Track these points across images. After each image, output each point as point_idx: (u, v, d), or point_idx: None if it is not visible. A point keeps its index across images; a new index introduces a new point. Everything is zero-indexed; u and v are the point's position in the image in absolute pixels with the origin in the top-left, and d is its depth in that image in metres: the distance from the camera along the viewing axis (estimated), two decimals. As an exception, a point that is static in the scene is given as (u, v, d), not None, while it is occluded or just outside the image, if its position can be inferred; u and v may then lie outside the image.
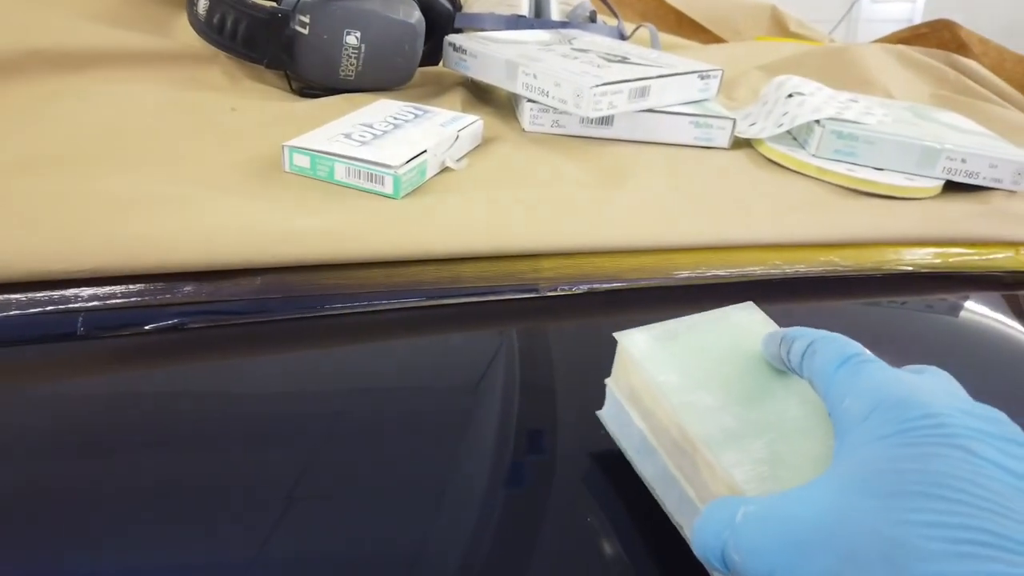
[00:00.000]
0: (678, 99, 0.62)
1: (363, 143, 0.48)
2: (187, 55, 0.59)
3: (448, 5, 0.67)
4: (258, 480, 0.32)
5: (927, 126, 0.62)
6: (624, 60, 0.63)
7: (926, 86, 0.81)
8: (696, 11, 1.15)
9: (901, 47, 0.88)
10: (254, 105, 0.55)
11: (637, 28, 0.85)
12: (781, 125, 0.61)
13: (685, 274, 0.47)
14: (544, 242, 0.45)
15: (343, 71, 0.59)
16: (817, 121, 0.59)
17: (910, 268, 0.54)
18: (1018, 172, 0.58)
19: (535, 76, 0.58)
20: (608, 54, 0.64)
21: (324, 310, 0.41)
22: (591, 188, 0.51)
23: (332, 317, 0.41)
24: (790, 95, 0.64)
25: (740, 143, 0.63)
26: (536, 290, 0.44)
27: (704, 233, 0.49)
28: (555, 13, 0.79)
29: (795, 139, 0.62)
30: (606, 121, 0.60)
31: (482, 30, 0.79)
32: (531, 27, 0.78)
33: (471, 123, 0.54)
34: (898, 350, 0.50)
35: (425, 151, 0.48)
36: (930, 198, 0.58)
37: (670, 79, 0.60)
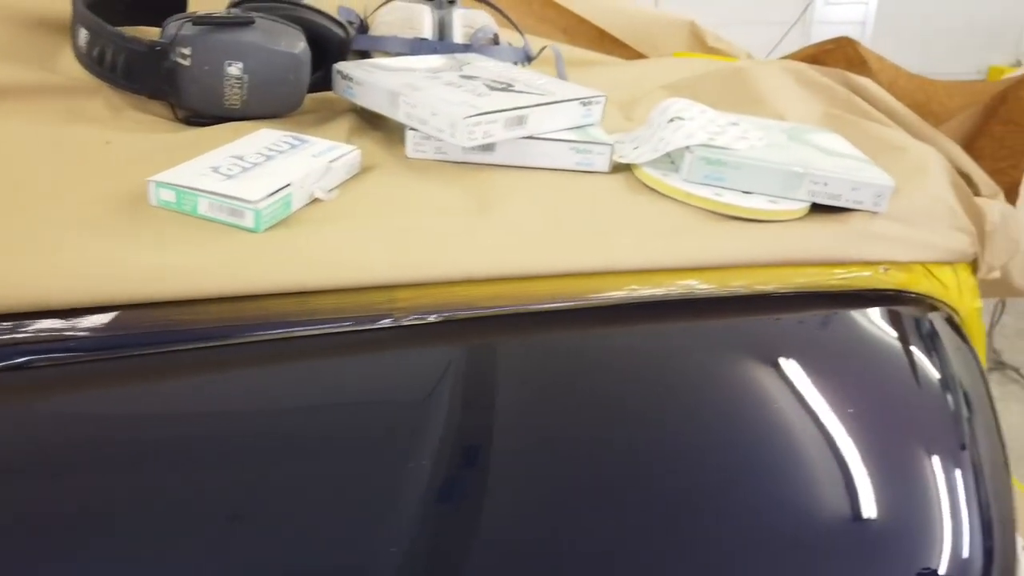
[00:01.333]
0: (560, 125, 0.64)
1: (229, 177, 0.49)
2: (69, 87, 0.60)
3: (340, 32, 0.68)
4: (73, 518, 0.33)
5: (799, 150, 0.65)
6: (508, 88, 0.65)
7: (819, 105, 0.84)
8: (616, 27, 1.17)
9: (800, 66, 0.91)
10: (131, 138, 0.56)
11: (543, 49, 0.88)
12: (656, 150, 0.63)
13: (543, 303, 0.49)
14: (400, 273, 0.47)
15: (227, 101, 0.60)
16: (688, 147, 0.61)
17: (772, 289, 0.57)
18: (878, 194, 0.61)
19: (415, 106, 0.59)
20: (495, 81, 0.66)
21: (175, 345, 0.42)
22: (459, 216, 0.53)
23: (183, 352, 0.42)
24: (671, 120, 0.67)
25: (622, 168, 0.65)
26: (390, 319, 0.46)
27: (563, 260, 0.51)
28: (458, 36, 0.81)
29: (673, 163, 0.65)
30: (487, 148, 0.62)
31: (386, 53, 0.81)
32: (433, 50, 0.80)
33: (346, 153, 0.55)
34: (761, 369, 0.53)
35: (289, 184, 0.50)
36: (795, 220, 0.60)
37: (550, 107, 0.62)
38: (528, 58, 0.87)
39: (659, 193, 0.61)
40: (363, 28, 0.84)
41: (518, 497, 0.43)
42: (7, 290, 0.40)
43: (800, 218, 0.61)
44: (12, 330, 0.40)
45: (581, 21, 1.16)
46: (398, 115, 0.61)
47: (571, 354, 0.49)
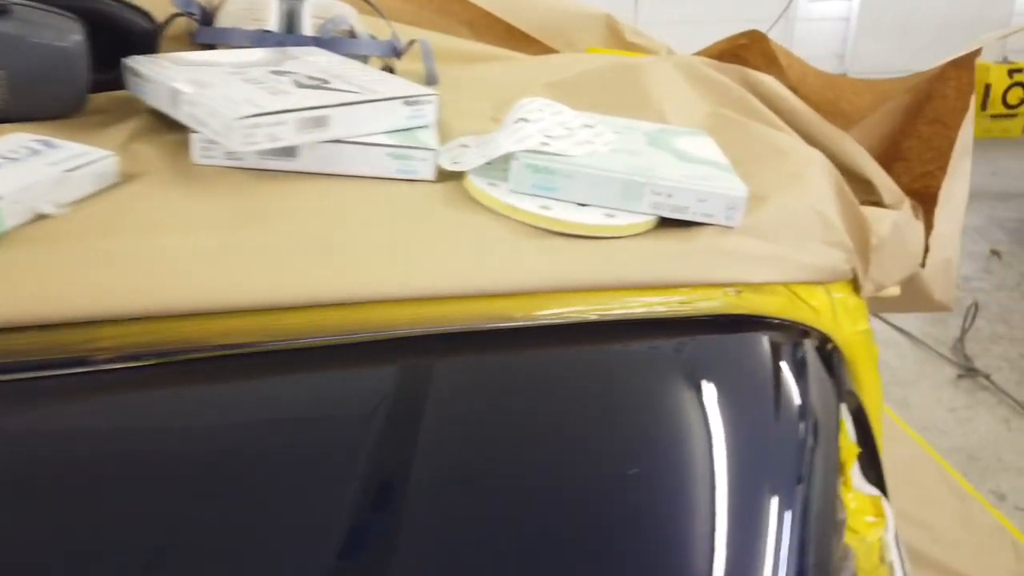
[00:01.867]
0: (379, 127, 0.56)
1: (-75, 190, 0.42)
2: None
3: (143, 23, 0.61)
4: None
5: (651, 156, 0.58)
6: (320, 85, 0.57)
7: (706, 104, 0.77)
8: (526, 21, 1.10)
9: (696, 62, 0.83)
10: None
11: (411, 44, 0.80)
12: (484, 156, 0.55)
13: (290, 338, 0.42)
14: (102, 306, 0.39)
15: (-15, 100, 0.52)
16: (514, 153, 0.54)
17: (598, 317, 0.49)
18: (730, 207, 0.54)
19: (195, 104, 0.52)
20: (311, 77, 0.59)
21: None
22: (208, 235, 0.45)
23: None
24: (515, 121, 0.59)
25: (453, 176, 0.57)
26: (86, 363, 0.39)
27: (323, 285, 0.44)
28: (308, 28, 0.74)
29: (505, 171, 0.57)
30: (288, 153, 0.54)
31: (229, 47, 0.73)
32: (278, 43, 0.72)
33: (94, 160, 0.48)
34: (593, 409, 0.46)
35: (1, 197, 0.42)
36: (634, 236, 0.53)
37: (361, 107, 0.55)
38: (396, 52, 0.79)
39: (484, 206, 0.54)
40: (207, 19, 0.76)
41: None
42: None
43: (641, 234, 0.53)
44: None
45: (487, 15, 1.09)
46: (180, 115, 0.54)
47: (326, 401, 0.42)
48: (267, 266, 0.43)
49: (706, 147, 0.62)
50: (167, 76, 0.55)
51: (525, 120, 0.59)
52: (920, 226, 0.72)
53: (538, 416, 0.45)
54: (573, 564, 0.39)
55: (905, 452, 1.57)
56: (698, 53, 1.02)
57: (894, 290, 0.69)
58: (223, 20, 0.75)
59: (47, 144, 0.49)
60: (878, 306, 0.83)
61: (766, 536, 0.42)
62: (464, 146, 0.62)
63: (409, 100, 0.58)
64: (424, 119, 0.59)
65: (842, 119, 0.85)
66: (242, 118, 0.49)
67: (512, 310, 0.47)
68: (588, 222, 0.52)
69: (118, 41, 0.60)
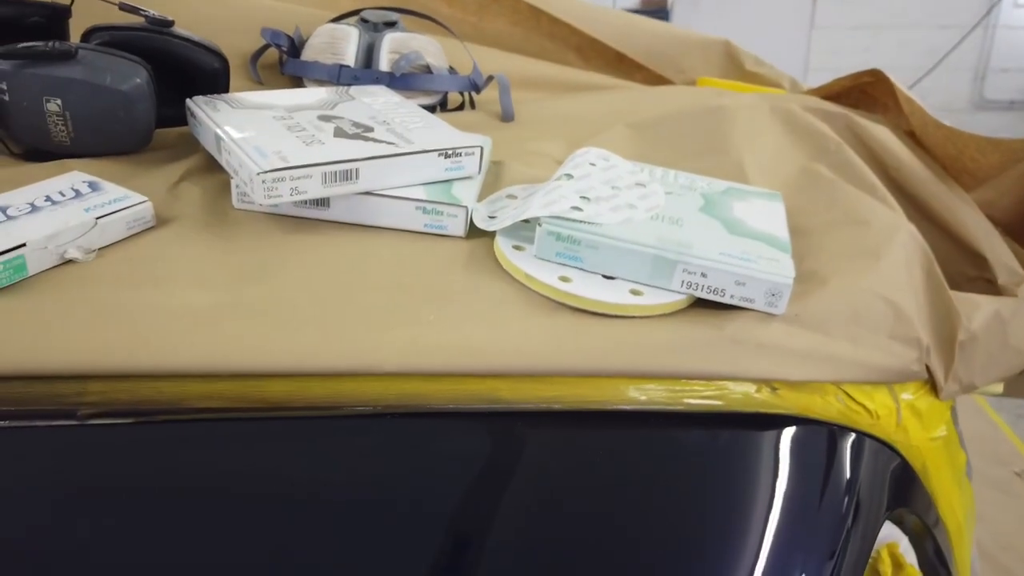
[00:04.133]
0: (414, 179, 0.55)
1: (-36, 233, 0.45)
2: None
3: (213, 62, 0.63)
4: None
5: (696, 225, 0.53)
6: (361, 134, 0.57)
7: (799, 156, 0.70)
8: (635, 48, 1.05)
9: (796, 106, 0.76)
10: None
11: (489, 79, 0.78)
12: (514, 217, 0.53)
13: (275, 407, 0.42)
14: (89, 360, 0.41)
15: (55, 136, 0.56)
16: (539, 218, 0.51)
17: (615, 404, 0.46)
18: (772, 293, 0.48)
19: (231, 152, 0.53)
20: (356, 124, 0.59)
21: None
22: (224, 289, 0.46)
23: None
24: (558, 177, 0.57)
25: (487, 231, 0.56)
26: (74, 416, 0.40)
27: (326, 356, 0.43)
28: (384, 63, 0.74)
29: (539, 232, 0.54)
30: (321, 202, 0.54)
31: (318, 81, 0.75)
32: (354, 78, 0.73)
33: (129, 206, 0.50)
34: (588, 507, 0.43)
35: (23, 245, 0.45)
36: (664, 316, 0.49)
37: (395, 160, 0.54)
38: (475, 87, 0.78)
39: (505, 272, 0.51)
40: (294, 51, 0.79)
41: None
42: None
43: (670, 314, 0.49)
44: None
45: (595, 41, 1.05)
46: (221, 160, 0.55)
47: (300, 477, 0.41)
48: (259, 332, 0.43)
49: (770, 215, 0.56)
50: (217, 119, 0.57)
51: (569, 176, 0.56)
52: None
53: (523, 510, 0.43)
54: None
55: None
56: (819, 89, 0.93)
57: (994, 387, 0.60)
58: (307, 52, 0.77)
59: (93, 187, 0.52)
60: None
61: None
62: (511, 196, 0.60)
63: (447, 152, 0.56)
64: (464, 171, 0.58)
65: (966, 177, 0.75)
66: (264, 172, 0.49)
67: (514, 392, 0.45)
68: (610, 300, 0.48)
69: (188, 79, 0.62)
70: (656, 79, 1.06)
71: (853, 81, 0.90)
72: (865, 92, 0.91)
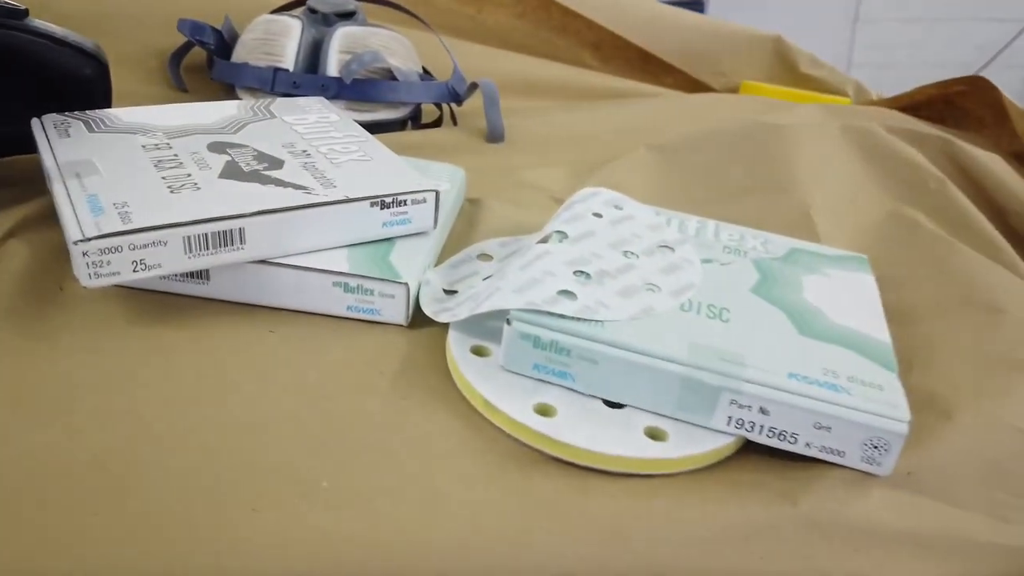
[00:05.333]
0: (336, 239, 0.38)
1: None
2: None
3: (87, 65, 0.46)
4: None
5: (751, 320, 0.35)
6: (261, 174, 0.39)
7: (888, 198, 0.52)
8: (664, 45, 0.87)
9: (887, 119, 0.57)
10: None
11: (473, 88, 0.61)
12: (471, 308, 0.35)
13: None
14: None
15: None
16: (507, 312, 0.33)
17: None
18: (875, 444, 0.30)
19: (57, 203, 0.36)
20: (260, 156, 0.41)
21: None
22: (31, 423, 0.29)
23: None
24: (542, 239, 0.39)
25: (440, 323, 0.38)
26: None
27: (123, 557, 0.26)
28: (333, 65, 0.56)
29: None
30: (200, 274, 0.37)
31: (250, 90, 0.58)
32: (292, 84, 0.56)
33: None
34: None
35: None
36: (701, 471, 0.31)
37: (302, 213, 0.37)
38: (456, 98, 0.61)
39: (460, 393, 0.34)
40: (223, 50, 0.61)
41: None
42: None
43: (708, 468, 0.31)
44: None
45: (616, 37, 0.87)
46: (59, 218, 0.38)
47: None
48: (66, 517, 0.26)
49: (858, 297, 0.38)
50: (59, 149, 0.40)
51: (562, 234, 0.39)
52: None
53: None
54: None
55: None
56: (896, 99, 0.74)
57: None
58: (239, 52, 0.60)
59: None
60: None
61: None
62: (484, 256, 0.42)
63: (386, 201, 0.39)
64: (412, 225, 0.40)
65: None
66: (84, 241, 0.32)
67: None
68: (615, 449, 0.31)
69: (49, 89, 0.45)
70: (690, 84, 0.87)
71: (939, 90, 0.71)
72: (953, 103, 0.72)
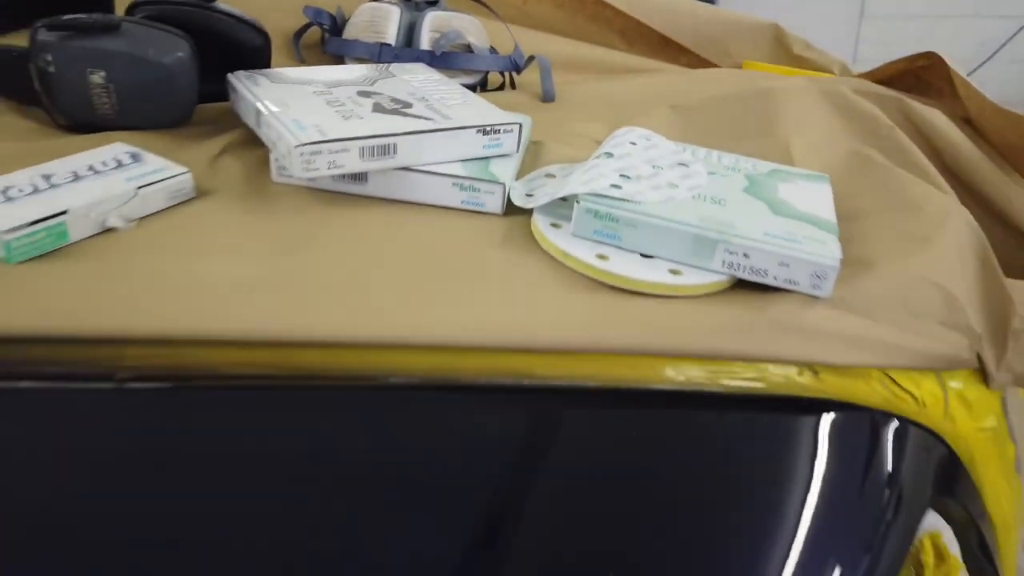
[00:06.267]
0: (452, 155, 0.55)
1: (9, 200, 0.46)
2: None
3: (255, 39, 0.63)
4: None
5: (739, 205, 0.52)
6: (399, 110, 0.56)
7: (849, 140, 0.68)
8: (680, 31, 1.03)
9: (848, 89, 0.74)
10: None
11: (530, 60, 0.77)
12: (551, 194, 0.52)
13: (312, 377, 0.42)
14: (128, 326, 0.41)
15: (99, 109, 0.57)
16: (576, 195, 0.50)
17: (669, 386, 0.45)
18: (817, 275, 0.47)
19: (270, 126, 0.53)
20: (395, 100, 0.58)
21: None
22: (262, 261, 0.46)
23: None
24: (597, 156, 0.56)
25: (524, 209, 0.55)
26: (111, 379, 0.40)
27: (355, 328, 0.43)
28: (426, 41, 0.74)
29: (577, 210, 0.53)
30: (358, 177, 0.54)
31: (359, 59, 0.75)
32: (395, 57, 0.73)
33: (170, 177, 0.50)
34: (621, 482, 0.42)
35: (64, 212, 0.45)
36: (705, 296, 0.48)
37: (431, 135, 0.54)
38: (516, 67, 0.78)
39: (542, 250, 0.51)
40: (336, 29, 0.79)
41: None
42: None
43: (710, 295, 0.48)
44: None
45: (640, 24, 1.03)
46: (260, 134, 0.55)
47: (336, 443, 0.41)
48: (295, 302, 0.43)
49: (816, 197, 0.55)
50: (257, 93, 0.57)
51: (609, 155, 0.55)
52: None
53: (553, 487, 0.42)
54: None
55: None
56: (872, 72, 0.90)
57: (1048, 382, 0.57)
58: (349, 31, 0.77)
59: (135, 157, 0.52)
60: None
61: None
62: (549, 175, 0.59)
63: (487, 129, 0.56)
64: (503, 148, 0.57)
65: (1026, 164, 0.72)
66: (301, 145, 0.49)
67: (549, 369, 0.44)
68: (649, 279, 0.47)
69: (230, 55, 0.62)
70: (701, 63, 1.04)
71: (907, 65, 0.87)
72: (919, 77, 0.88)
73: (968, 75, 0.78)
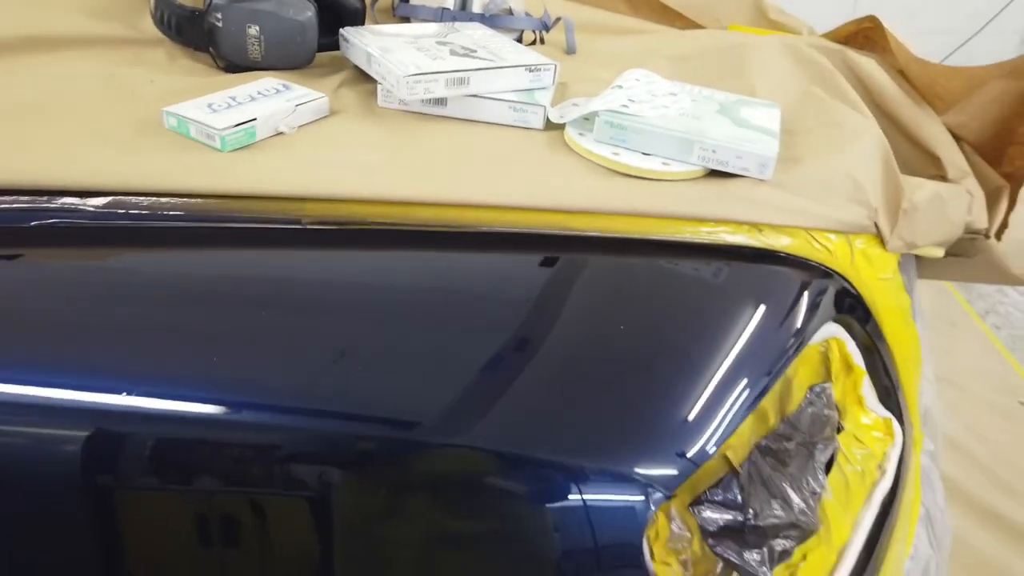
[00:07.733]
0: (506, 86, 0.77)
1: (215, 111, 0.68)
2: (139, 40, 0.82)
3: (355, 3, 0.84)
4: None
5: (711, 120, 0.73)
6: (468, 53, 0.78)
7: (800, 82, 0.90)
8: (676, 0, 1.24)
9: (802, 44, 0.95)
10: (173, 79, 0.76)
11: (557, 20, 0.99)
12: (579, 112, 0.74)
13: (427, 226, 0.64)
14: (309, 189, 0.63)
15: (251, 54, 0.79)
16: (598, 111, 0.72)
17: (640, 236, 0.67)
18: (761, 164, 0.69)
19: (380, 64, 0.75)
20: (464, 47, 0.80)
21: (150, 222, 0.61)
22: (381, 152, 0.68)
23: (157, 229, 0.61)
24: (612, 87, 0.77)
25: (557, 127, 0.77)
26: (299, 223, 0.63)
27: (455, 190, 0.65)
28: (476, 6, 0.95)
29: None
30: (439, 102, 0.76)
31: (420, 20, 0.96)
32: (452, 19, 0.94)
33: (314, 99, 0.72)
34: (634, 298, 0.64)
35: (255, 119, 0.67)
36: (683, 180, 0.70)
37: (494, 71, 0.75)
38: (546, 27, 0.99)
39: (573, 151, 0.73)
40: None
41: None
42: (42, 174, 0.61)
43: (689, 180, 0.70)
44: (47, 200, 0.61)
45: (643, -9, 1.24)
46: (371, 71, 0.77)
47: (445, 273, 0.64)
48: (411, 176, 0.65)
49: (768, 117, 0.77)
50: (365, 42, 0.78)
51: (619, 87, 0.77)
52: (971, 200, 0.81)
53: (595, 299, 0.64)
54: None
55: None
56: (829, 33, 1.12)
57: (935, 251, 0.79)
58: (416, -2, 0.98)
59: (285, 87, 0.74)
60: (946, 271, 0.93)
61: (731, 393, 0.59)
62: (574, 104, 0.81)
63: (531, 68, 0.77)
64: (542, 82, 0.79)
65: (939, 102, 0.93)
66: (407, 76, 0.71)
67: (581, 223, 0.66)
68: (648, 167, 0.69)
69: (337, 15, 0.84)
70: (694, 26, 1.25)
71: (856, 27, 1.08)
72: (868, 37, 1.09)
73: (960, 47, 0.98)
